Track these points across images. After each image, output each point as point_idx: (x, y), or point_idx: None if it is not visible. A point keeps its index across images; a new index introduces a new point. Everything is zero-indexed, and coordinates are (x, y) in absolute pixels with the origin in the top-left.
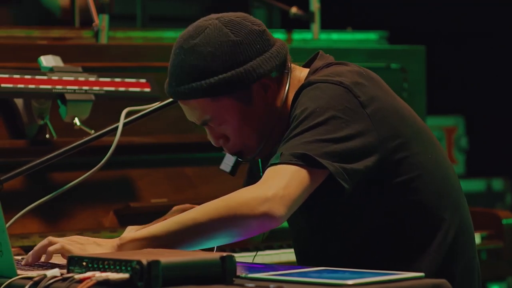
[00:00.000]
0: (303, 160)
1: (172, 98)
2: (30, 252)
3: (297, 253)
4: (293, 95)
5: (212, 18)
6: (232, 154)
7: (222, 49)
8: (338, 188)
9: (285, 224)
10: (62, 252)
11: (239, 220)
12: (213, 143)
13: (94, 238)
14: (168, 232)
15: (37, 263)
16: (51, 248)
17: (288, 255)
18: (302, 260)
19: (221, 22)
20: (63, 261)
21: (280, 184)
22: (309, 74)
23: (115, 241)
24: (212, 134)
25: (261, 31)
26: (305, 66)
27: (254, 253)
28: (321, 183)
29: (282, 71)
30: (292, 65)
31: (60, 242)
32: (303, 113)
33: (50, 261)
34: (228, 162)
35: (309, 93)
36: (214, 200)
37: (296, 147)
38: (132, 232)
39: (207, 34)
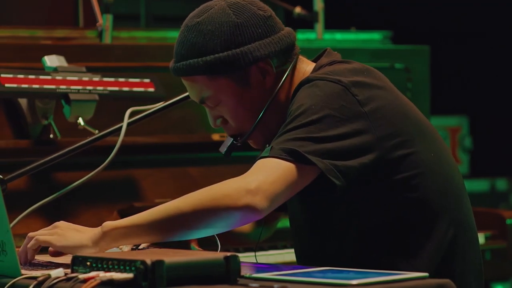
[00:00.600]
0: (291, 155)
1: (173, 74)
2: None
3: (296, 252)
4: (295, 87)
5: (220, 0)
6: (230, 136)
7: (221, 29)
8: (330, 185)
9: (288, 223)
10: (41, 245)
11: (222, 211)
12: (211, 123)
13: (76, 225)
14: (151, 221)
15: (40, 263)
16: (29, 246)
17: (292, 255)
18: (302, 259)
19: (227, 4)
20: (67, 261)
21: (265, 177)
22: (314, 70)
23: (97, 229)
24: (211, 114)
25: (265, 16)
26: (313, 62)
27: (259, 253)
28: (314, 180)
29: (286, 59)
30: (301, 56)
31: (37, 236)
32: (298, 109)
33: (54, 261)
34: (226, 144)
35: (307, 90)
36: (199, 190)
37: (287, 142)
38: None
39: (211, 14)
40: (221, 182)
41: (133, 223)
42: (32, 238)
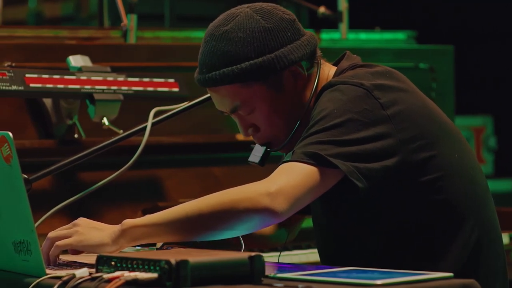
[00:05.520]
0: (313, 159)
1: (202, 85)
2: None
3: (320, 253)
4: (318, 91)
5: (242, 7)
6: (262, 144)
7: (253, 35)
8: (352, 188)
9: (312, 223)
10: (63, 249)
11: (241, 213)
12: (242, 133)
13: (96, 223)
14: (170, 221)
15: (64, 263)
16: (51, 253)
17: (316, 255)
18: (325, 260)
19: (252, 10)
20: (92, 260)
21: (286, 181)
22: (336, 74)
23: (116, 227)
24: (242, 123)
25: (291, 20)
26: (333, 65)
27: (283, 253)
28: (337, 183)
29: (312, 62)
30: (322, 60)
31: (56, 243)
32: (320, 113)
33: (78, 261)
34: (257, 153)
35: (329, 94)
36: (219, 192)
37: (309, 146)
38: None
39: (238, 21)
40: (241, 186)
41: (152, 222)
42: (51, 239)
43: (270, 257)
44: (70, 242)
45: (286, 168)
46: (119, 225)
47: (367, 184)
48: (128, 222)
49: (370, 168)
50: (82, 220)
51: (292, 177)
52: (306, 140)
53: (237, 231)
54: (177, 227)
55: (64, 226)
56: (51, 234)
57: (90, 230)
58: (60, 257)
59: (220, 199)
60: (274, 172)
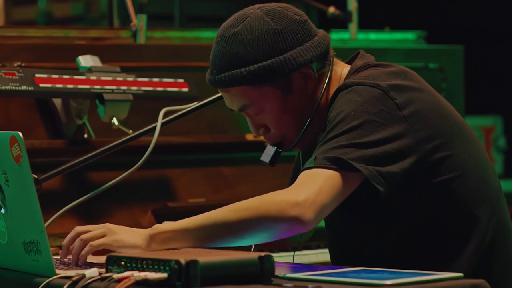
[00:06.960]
0: (337, 164)
1: (212, 86)
2: (63, 245)
3: (331, 254)
4: (333, 91)
5: (254, 8)
6: (272, 144)
7: (262, 37)
8: (373, 191)
9: (323, 224)
10: (97, 249)
11: (269, 222)
12: (253, 132)
13: (123, 226)
14: (198, 227)
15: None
16: (83, 253)
17: (326, 255)
18: (337, 261)
19: (263, 11)
20: (101, 260)
21: (312, 189)
22: (350, 73)
23: (147, 231)
24: (252, 123)
25: (302, 21)
26: (346, 64)
27: (292, 253)
28: (357, 186)
29: (324, 62)
30: (335, 59)
31: (91, 242)
32: (338, 116)
33: (89, 261)
34: (268, 153)
35: (345, 96)
36: (247, 200)
37: (330, 151)
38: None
39: (248, 23)
40: (268, 194)
41: (181, 228)
42: (85, 240)
43: (280, 258)
44: (104, 241)
45: (310, 175)
46: (150, 229)
47: (388, 188)
48: (158, 227)
49: (391, 172)
50: (110, 224)
51: (318, 185)
52: (326, 145)
53: (263, 239)
54: (204, 234)
55: (93, 226)
56: (84, 235)
57: (122, 231)
58: (68, 257)
59: (248, 207)
60: (299, 179)
